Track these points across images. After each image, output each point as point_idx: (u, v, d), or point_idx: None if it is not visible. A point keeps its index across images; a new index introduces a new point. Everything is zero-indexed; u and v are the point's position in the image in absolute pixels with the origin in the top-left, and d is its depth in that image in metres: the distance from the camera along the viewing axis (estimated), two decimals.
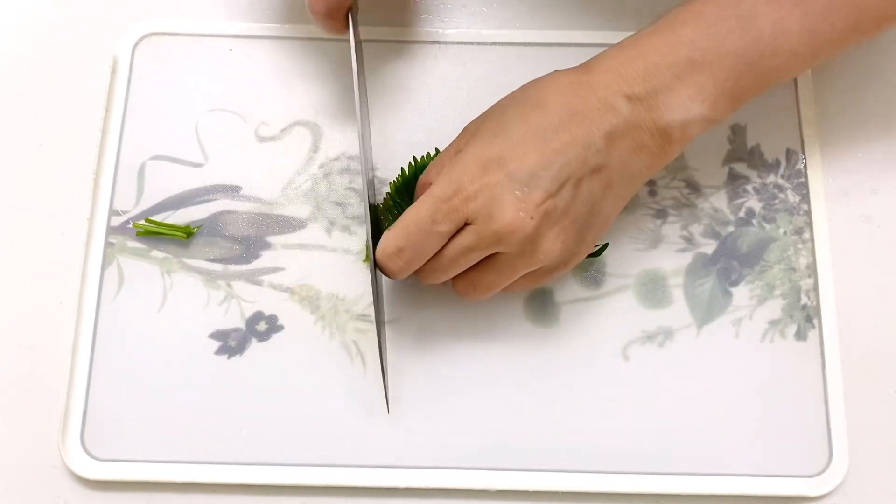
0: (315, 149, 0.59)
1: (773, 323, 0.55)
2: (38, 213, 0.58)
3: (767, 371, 0.54)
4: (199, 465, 0.52)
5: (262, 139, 0.59)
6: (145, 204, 0.58)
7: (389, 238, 0.48)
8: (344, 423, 0.53)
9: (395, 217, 0.52)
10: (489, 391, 0.54)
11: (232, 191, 0.58)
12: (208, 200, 0.58)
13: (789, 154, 0.59)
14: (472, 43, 0.62)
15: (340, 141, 0.59)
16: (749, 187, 0.58)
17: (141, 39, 0.61)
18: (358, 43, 0.54)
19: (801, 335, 0.55)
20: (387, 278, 0.51)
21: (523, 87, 0.51)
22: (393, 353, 0.54)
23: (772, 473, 0.52)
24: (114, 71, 0.60)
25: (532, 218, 0.47)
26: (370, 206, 0.53)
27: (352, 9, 0.53)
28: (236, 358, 0.55)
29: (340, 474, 0.52)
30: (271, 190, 0.58)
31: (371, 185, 0.55)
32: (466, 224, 0.48)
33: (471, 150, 0.49)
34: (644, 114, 0.48)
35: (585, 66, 0.50)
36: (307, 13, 0.53)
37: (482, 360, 0.55)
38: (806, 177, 0.58)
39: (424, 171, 0.52)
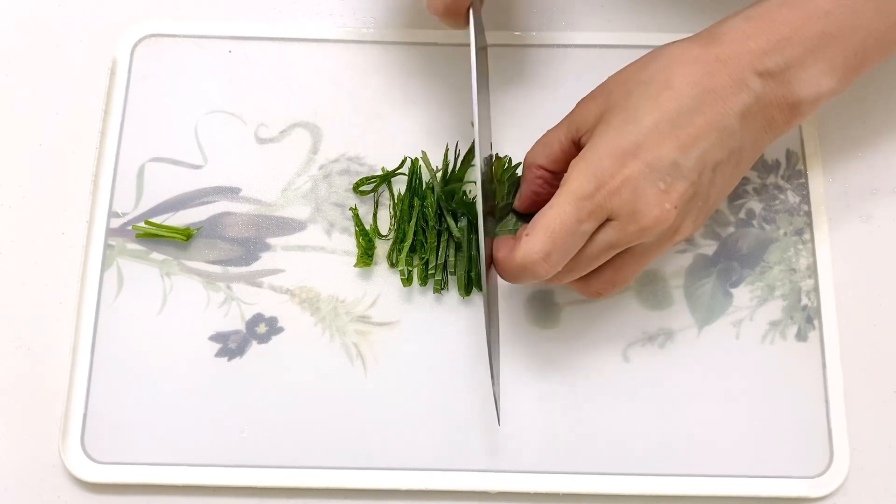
0: (315, 150, 0.59)
1: (774, 324, 0.55)
2: (38, 213, 0.58)
3: (768, 372, 0.54)
4: (200, 467, 0.52)
5: (261, 141, 0.59)
6: (145, 206, 0.58)
7: (535, 243, 0.46)
8: (344, 425, 0.53)
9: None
10: (489, 393, 0.54)
11: (231, 192, 0.58)
12: (208, 202, 0.58)
13: (789, 155, 0.59)
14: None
15: (340, 142, 0.59)
16: (749, 188, 0.58)
17: (140, 41, 0.61)
18: (480, 35, 0.51)
19: (801, 336, 0.55)
20: (378, 282, 0.50)
21: (643, 61, 0.48)
22: (390, 354, 0.54)
23: (772, 474, 0.52)
24: (113, 72, 0.60)
25: (675, 208, 0.46)
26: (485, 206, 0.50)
27: (473, 5, 0.51)
28: (236, 360, 0.54)
29: (340, 476, 0.52)
30: (271, 191, 0.58)
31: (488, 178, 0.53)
32: (608, 219, 0.46)
33: (601, 139, 0.46)
34: (776, 90, 0.46)
35: (711, 37, 0.47)
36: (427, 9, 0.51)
37: (482, 361, 0.54)
38: (806, 177, 0.58)
39: (529, 152, 0.51)
